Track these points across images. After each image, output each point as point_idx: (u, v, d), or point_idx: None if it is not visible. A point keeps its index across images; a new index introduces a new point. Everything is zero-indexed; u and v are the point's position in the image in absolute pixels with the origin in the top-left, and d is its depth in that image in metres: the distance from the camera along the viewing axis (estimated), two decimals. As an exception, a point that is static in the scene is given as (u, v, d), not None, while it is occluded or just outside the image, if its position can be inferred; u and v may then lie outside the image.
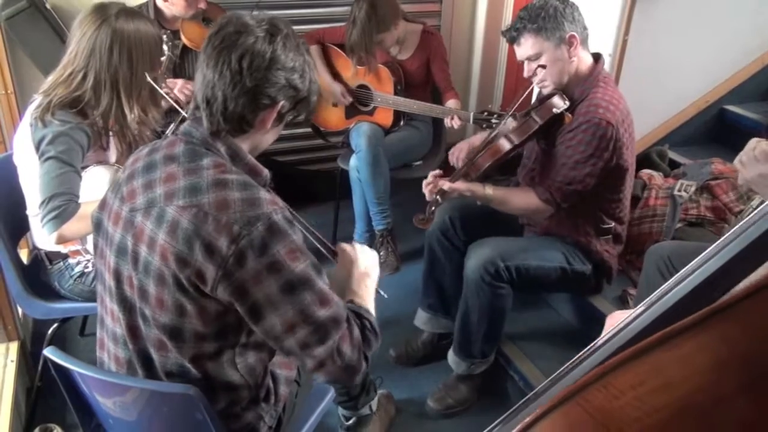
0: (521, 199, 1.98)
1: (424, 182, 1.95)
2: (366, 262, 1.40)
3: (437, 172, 1.96)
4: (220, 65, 1.15)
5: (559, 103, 1.87)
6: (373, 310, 1.34)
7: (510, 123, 1.96)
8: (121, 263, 1.20)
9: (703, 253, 0.55)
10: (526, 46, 1.86)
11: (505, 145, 1.90)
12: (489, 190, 1.95)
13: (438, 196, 1.93)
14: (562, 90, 1.92)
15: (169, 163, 1.19)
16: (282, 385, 1.43)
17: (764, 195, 1.34)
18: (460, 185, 1.91)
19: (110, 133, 1.80)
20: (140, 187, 1.20)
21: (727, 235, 0.54)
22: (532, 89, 2.03)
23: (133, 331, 1.23)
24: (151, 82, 1.74)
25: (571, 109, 1.88)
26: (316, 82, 1.27)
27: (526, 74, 1.91)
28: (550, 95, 1.91)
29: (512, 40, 1.89)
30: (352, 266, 1.37)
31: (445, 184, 1.91)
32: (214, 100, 1.16)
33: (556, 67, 1.87)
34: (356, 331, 1.22)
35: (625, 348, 0.53)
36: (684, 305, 0.52)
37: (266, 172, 1.27)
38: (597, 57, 1.95)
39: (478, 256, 1.94)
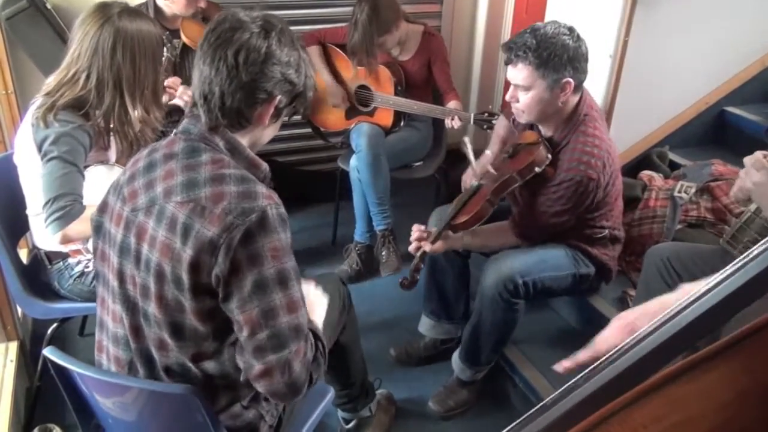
0: (500, 240, 2.02)
1: (411, 238, 2.00)
2: (317, 292, 1.44)
3: (420, 233, 1.98)
4: (217, 61, 1.16)
5: (542, 160, 1.85)
6: (321, 328, 1.37)
7: (490, 174, 1.95)
8: (124, 263, 1.21)
9: (716, 275, 0.53)
10: (519, 75, 1.78)
11: (488, 208, 1.92)
12: (467, 240, 2.01)
13: (420, 261, 1.99)
14: (540, 124, 1.91)
15: (168, 161, 1.20)
16: None
17: (762, 204, 1.33)
18: (440, 246, 1.97)
19: (111, 133, 1.80)
20: (141, 187, 1.21)
21: (742, 257, 0.52)
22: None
23: (135, 331, 1.24)
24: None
25: (552, 156, 1.86)
26: (312, 78, 1.28)
27: (508, 98, 1.87)
28: (534, 143, 1.88)
29: (509, 61, 1.81)
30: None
31: (426, 246, 1.96)
32: (212, 96, 1.18)
33: (539, 105, 1.81)
34: (310, 352, 1.21)
35: (635, 368, 0.51)
36: (698, 326, 0.51)
37: (265, 166, 1.28)
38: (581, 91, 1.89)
39: (496, 273, 1.91)
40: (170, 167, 1.19)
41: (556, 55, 1.73)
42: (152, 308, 1.18)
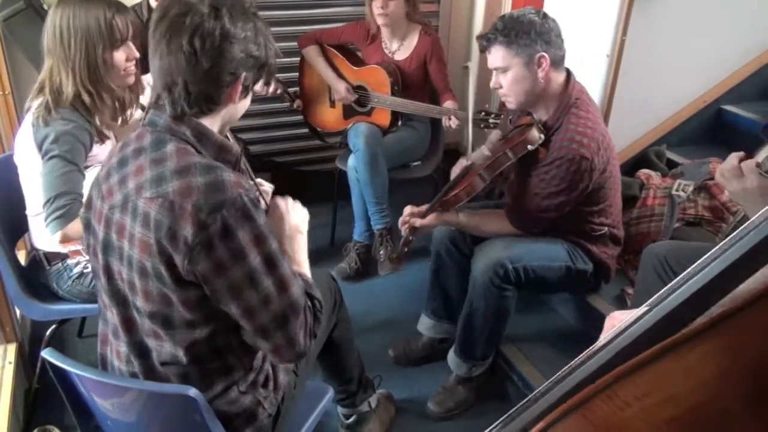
0: (495, 225, 2.02)
1: (400, 219, 2.04)
2: (296, 217, 1.39)
3: (410, 209, 2.01)
4: (174, 51, 1.13)
5: (535, 139, 1.85)
6: (308, 270, 1.36)
7: (484, 153, 1.96)
8: (109, 259, 1.23)
9: (703, 258, 0.54)
10: (495, 57, 1.83)
11: (479, 183, 1.93)
12: (463, 218, 2.02)
13: (410, 235, 2.01)
14: (529, 107, 1.92)
15: (138, 156, 1.20)
16: (281, 373, 1.44)
17: (747, 209, 1.32)
18: (432, 220, 1.99)
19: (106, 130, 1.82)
20: (116, 183, 1.21)
21: (727, 239, 0.53)
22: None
23: (127, 323, 1.25)
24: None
25: (545, 139, 1.87)
26: (273, 45, 1.24)
27: (492, 85, 1.89)
28: (528, 125, 1.90)
29: (483, 49, 1.86)
30: (282, 222, 1.37)
31: (417, 221, 1.98)
32: (175, 86, 1.16)
33: (521, 85, 1.83)
34: (310, 319, 1.25)
35: (626, 351, 0.52)
36: (683, 310, 0.52)
37: (236, 149, 1.26)
38: (568, 74, 1.91)
39: (486, 259, 1.92)
40: (140, 163, 1.19)
41: (524, 32, 1.78)
42: (140, 302, 1.20)
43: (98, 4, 1.75)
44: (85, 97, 1.74)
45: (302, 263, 1.37)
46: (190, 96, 1.16)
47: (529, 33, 1.78)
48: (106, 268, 1.24)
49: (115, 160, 1.24)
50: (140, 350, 1.26)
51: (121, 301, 1.24)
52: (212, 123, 1.23)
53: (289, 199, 1.42)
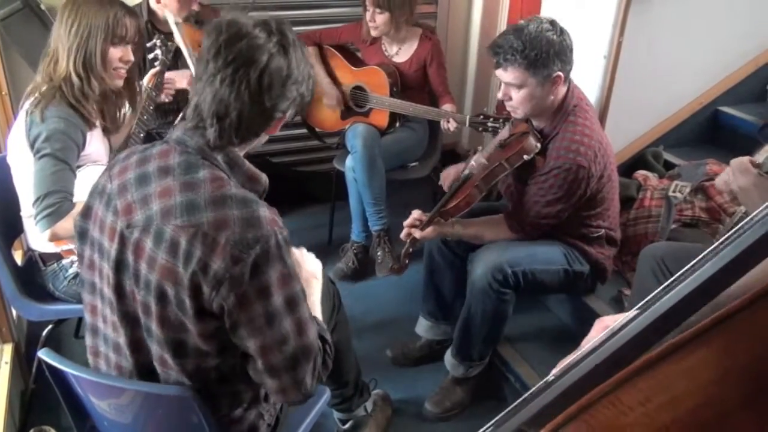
0: (493, 233, 2.02)
1: (405, 224, 2.03)
2: (311, 265, 1.43)
3: (414, 219, 2.01)
4: (238, 84, 1.12)
5: (531, 148, 1.86)
6: (320, 314, 1.37)
7: (480, 162, 1.96)
8: (122, 278, 1.18)
9: (696, 259, 0.55)
10: (510, 75, 1.80)
11: (476, 193, 1.94)
12: (460, 230, 2.01)
13: (411, 247, 2.01)
14: (534, 117, 1.92)
15: (164, 176, 1.15)
16: None
17: (748, 207, 1.35)
18: (431, 232, 1.98)
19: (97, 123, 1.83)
20: (136, 201, 1.16)
21: (720, 240, 0.54)
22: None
23: (135, 344, 1.22)
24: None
25: (542, 145, 1.88)
26: (314, 80, 1.26)
27: (500, 96, 1.88)
28: (524, 133, 1.90)
29: (498, 65, 1.82)
30: (299, 269, 1.37)
31: (416, 233, 1.98)
32: (226, 116, 1.14)
33: (533, 101, 1.83)
34: (320, 362, 1.24)
35: (620, 353, 0.53)
36: (676, 312, 0.52)
37: (265, 178, 1.26)
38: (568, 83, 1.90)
39: (485, 263, 1.92)
40: (167, 184, 1.14)
41: (544, 53, 1.75)
42: (154, 326, 1.17)
43: (113, 4, 1.77)
44: (75, 80, 1.74)
45: (315, 307, 1.36)
46: (239, 128, 1.16)
47: (548, 53, 1.75)
48: (118, 288, 1.19)
49: (132, 175, 1.18)
50: (146, 372, 1.24)
51: (131, 322, 1.20)
52: (241, 150, 1.23)
53: (303, 249, 1.44)
